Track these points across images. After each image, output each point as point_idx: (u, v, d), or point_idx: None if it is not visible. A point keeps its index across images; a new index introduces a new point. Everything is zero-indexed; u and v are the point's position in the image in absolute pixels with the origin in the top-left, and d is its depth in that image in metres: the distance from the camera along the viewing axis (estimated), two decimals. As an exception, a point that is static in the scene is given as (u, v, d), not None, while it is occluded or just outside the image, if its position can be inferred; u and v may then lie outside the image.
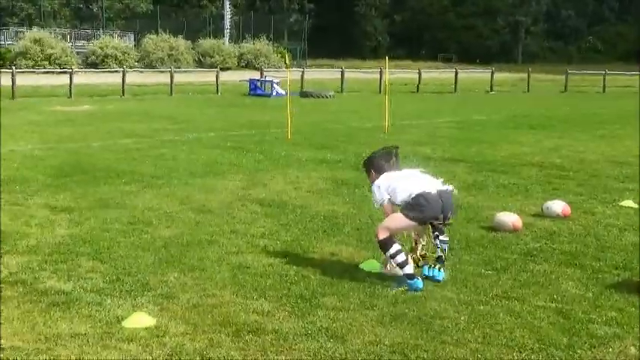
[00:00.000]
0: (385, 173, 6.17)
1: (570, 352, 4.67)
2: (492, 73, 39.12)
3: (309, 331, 4.91)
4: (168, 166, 11.77)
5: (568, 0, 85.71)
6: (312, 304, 5.43)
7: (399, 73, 42.15)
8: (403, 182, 6.03)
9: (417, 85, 36.53)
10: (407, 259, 5.91)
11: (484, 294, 5.73)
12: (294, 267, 6.31)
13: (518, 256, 6.79)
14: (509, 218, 7.79)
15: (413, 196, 5.90)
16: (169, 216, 8.22)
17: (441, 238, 6.05)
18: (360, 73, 43.50)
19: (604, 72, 40.84)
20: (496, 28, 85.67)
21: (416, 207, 5.86)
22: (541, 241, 7.37)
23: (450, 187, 6.14)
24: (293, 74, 35.71)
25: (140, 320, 4.98)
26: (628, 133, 17.78)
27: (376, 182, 6.15)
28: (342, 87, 35.19)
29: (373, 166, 6.31)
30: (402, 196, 5.95)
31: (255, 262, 6.44)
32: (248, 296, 5.58)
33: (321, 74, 44.26)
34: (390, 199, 6.05)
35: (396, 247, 5.86)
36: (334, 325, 5.03)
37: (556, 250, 7.01)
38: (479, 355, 4.61)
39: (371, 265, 6.34)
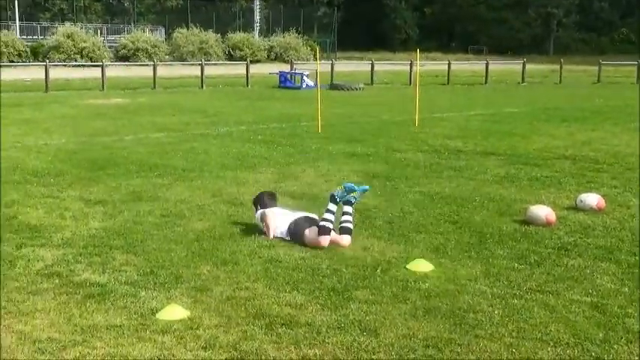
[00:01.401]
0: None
1: (606, 347, 4.62)
2: (524, 64, 38.72)
3: (342, 324, 4.91)
4: (199, 159, 11.84)
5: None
6: (345, 297, 5.43)
7: (429, 65, 41.94)
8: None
9: (448, 77, 36.30)
10: None
11: (518, 288, 5.69)
12: (326, 260, 6.31)
13: (552, 250, 6.73)
14: (543, 211, 7.71)
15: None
16: (201, 209, 8.27)
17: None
18: (390, 65, 43.36)
19: (637, 62, 40.25)
20: (527, 21, 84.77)
21: None
22: (575, 235, 7.29)
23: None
24: (323, 67, 35.75)
25: (174, 312, 5.02)
26: (663, 125, 17.50)
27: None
28: (371, 79, 35.09)
29: (260, 202, 7.58)
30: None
31: (287, 256, 6.45)
32: (280, 289, 5.60)
33: (351, 67, 44.26)
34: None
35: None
36: (367, 318, 5.03)
37: (590, 245, 6.93)
38: (513, 350, 4.57)
39: (418, 264, 6.22)
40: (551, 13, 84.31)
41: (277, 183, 9.87)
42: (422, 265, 6.17)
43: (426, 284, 5.74)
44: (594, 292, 5.59)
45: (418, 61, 19.42)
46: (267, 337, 4.71)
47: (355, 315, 5.08)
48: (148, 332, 4.76)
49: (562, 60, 41.00)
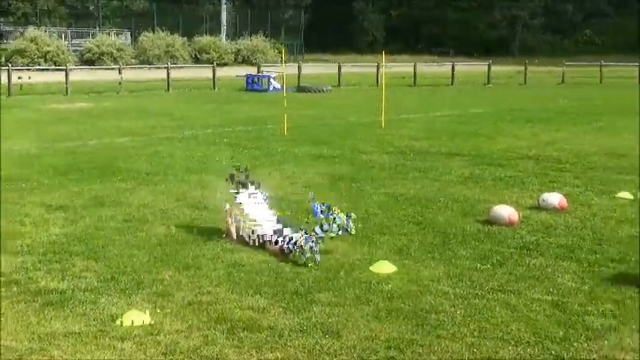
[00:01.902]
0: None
1: (566, 345, 4.66)
2: (489, 65, 39.03)
3: (305, 327, 4.90)
4: (164, 163, 11.74)
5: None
6: (308, 300, 5.41)
7: (396, 67, 42.09)
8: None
9: (414, 79, 36.47)
10: None
11: (480, 288, 5.72)
12: (289, 264, 6.29)
13: (515, 250, 6.78)
14: (506, 211, 7.76)
15: None
16: (165, 213, 8.19)
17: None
18: (357, 67, 43.42)
19: (600, 63, 40.88)
20: (493, 22, 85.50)
21: None
22: (537, 234, 7.35)
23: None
24: (290, 69, 35.70)
25: (135, 318, 4.96)
26: (625, 124, 17.75)
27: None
28: (339, 81, 35.14)
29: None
30: None
31: (250, 259, 6.41)
32: (243, 293, 5.57)
33: (319, 69, 44.24)
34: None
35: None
36: (329, 320, 5.02)
37: (552, 244, 6.99)
38: (474, 350, 4.59)
39: (381, 266, 6.21)
40: (516, 15, 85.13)
41: (242, 186, 9.80)
42: (385, 267, 6.17)
43: (389, 286, 5.74)
44: (555, 291, 5.64)
45: (384, 63, 19.49)
46: (228, 341, 4.68)
47: (318, 318, 5.07)
48: (107, 339, 4.70)
49: (527, 61, 41.39)
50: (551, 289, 5.67)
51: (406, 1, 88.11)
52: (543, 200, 8.48)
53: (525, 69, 39.44)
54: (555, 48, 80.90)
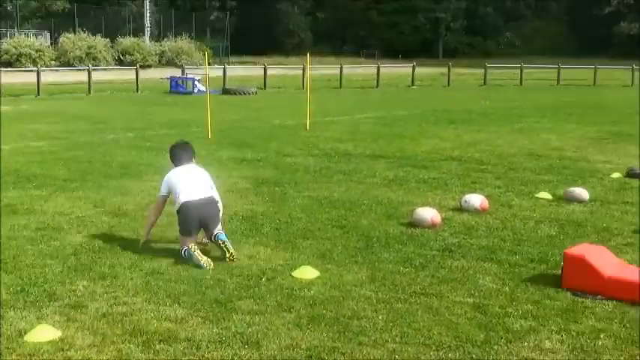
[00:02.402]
0: (176, 168, 6.93)
1: (487, 349, 4.66)
2: (414, 67, 39.55)
3: (223, 338, 4.76)
4: (82, 168, 11.38)
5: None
6: (228, 309, 5.27)
7: (322, 69, 42.22)
8: (180, 185, 6.71)
9: (340, 81, 36.61)
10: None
11: (402, 292, 5.68)
12: (210, 270, 6.13)
13: (437, 252, 6.78)
14: (428, 214, 7.78)
15: (177, 207, 6.67)
16: (82, 221, 7.91)
17: (215, 232, 6.57)
18: (284, 70, 43.39)
19: (520, 65, 41.95)
20: (417, 25, 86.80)
21: (180, 222, 6.61)
22: (459, 236, 7.39)
23: (213, 196, 6.78)
24: (215, 71, 35.38)
25: (44, 333, 4.73)
26: (544, 125, 18.21)
27: (168, 175, 6.91)
28: (264, 83, 34.98)
29: (171, 155, 7.15)
30: (176, 201, 6.69)
31: (170, 267, 6.23)
32: (160, 303, 5.39)
33: (245, 71, 43.99)
34: (164, 195, 6.88)
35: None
36: (249, 330, 4.89)
37: (474, 245, 7.03)
38: (396, 356, 4.54)
39: (304, 271, 6.11)
40: (439, 18, 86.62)
41: (163, 191, 9.57)
42: (308, 272, 6.08)
43: (312, 291, 5.65)
44: (476, 293, 5.65)
45: (309, 65, 19.45)
46: (143, 355, 4.50)
47: (237, 327, 4.94)
48: (14, 356, 4.46)
49: (450, 64, 42.06)
50: (472, 292, 5.68)
51: (332, 3, 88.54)
52: (465, 202, 8.54)
53: (449, 71, 40.10)
54: (478, 50, 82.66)
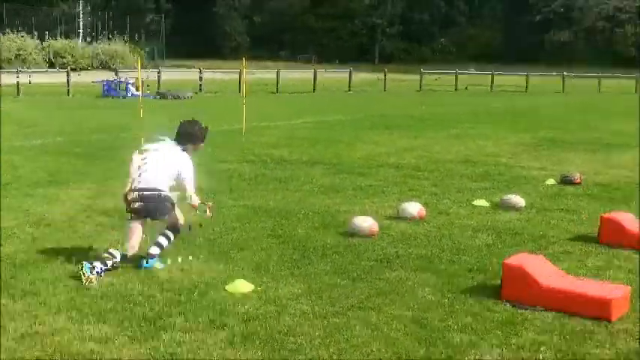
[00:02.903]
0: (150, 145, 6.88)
1: (427, 365, 4.52)
2: (350, 73, 39.63)
3: (151, 358, 4.50)
4: (7, 175, 10.88)
5: (422, 3, 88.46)
6: (157, 327, 5.01)
7: (259, 73, 41.90)
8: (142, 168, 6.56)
9: (277, 86, 36.39)
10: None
11: (340, 305, 5.51)
12: (139, 285, 5.85)
13: (375, 263, 6.64)
14: (366, 223, 7.64)
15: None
16: (3, 232, 7.49)
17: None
18: (221, 74, 42.89)
19: (455, 71, 42.53)
20: (354, 30, 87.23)
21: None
22: (397, 245, 7.26)
23: (157, 186, 6.51)
24: (150, 75, 34.71)
25: (-45, 358, 4.39)
26: (480, 131, 18.35)
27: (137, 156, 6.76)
28: (200, 87, 34.51)
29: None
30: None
31: (96, 282, 5.91)
32: (85, 321, 5.08)
33: (181, 75, 43.35)
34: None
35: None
36: (179, 349, 4.64)
37: (412, 255, 6.91)
38: (333, 375, 4.36)
39: (238, 285, 5.87)
40: (376, 24, 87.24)
41: (92, 200, 9.23)
42: (242, 286, 5.85)
43: (246, 306, 5.43)
44: (415, 306, 5.51)
45: (245, 70, 19.19)
46: (64, 379, 4.22)
47: (167, 347, 4.68)
48: None
49: (386, 69, 42.28)
50: (411, 304, 5.54)
51: (269, 8, 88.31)
52: (402, 210, 8.44)
53: (385, 76, 40.30)
54: (414, 56, 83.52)
